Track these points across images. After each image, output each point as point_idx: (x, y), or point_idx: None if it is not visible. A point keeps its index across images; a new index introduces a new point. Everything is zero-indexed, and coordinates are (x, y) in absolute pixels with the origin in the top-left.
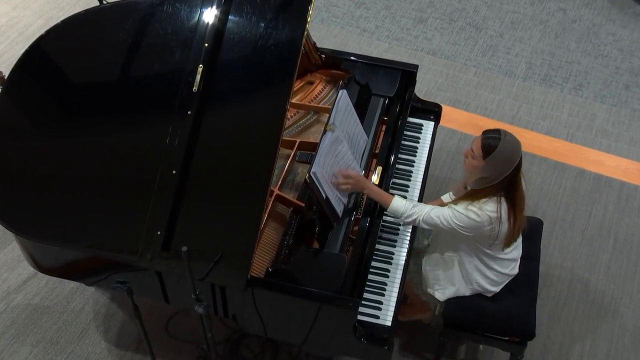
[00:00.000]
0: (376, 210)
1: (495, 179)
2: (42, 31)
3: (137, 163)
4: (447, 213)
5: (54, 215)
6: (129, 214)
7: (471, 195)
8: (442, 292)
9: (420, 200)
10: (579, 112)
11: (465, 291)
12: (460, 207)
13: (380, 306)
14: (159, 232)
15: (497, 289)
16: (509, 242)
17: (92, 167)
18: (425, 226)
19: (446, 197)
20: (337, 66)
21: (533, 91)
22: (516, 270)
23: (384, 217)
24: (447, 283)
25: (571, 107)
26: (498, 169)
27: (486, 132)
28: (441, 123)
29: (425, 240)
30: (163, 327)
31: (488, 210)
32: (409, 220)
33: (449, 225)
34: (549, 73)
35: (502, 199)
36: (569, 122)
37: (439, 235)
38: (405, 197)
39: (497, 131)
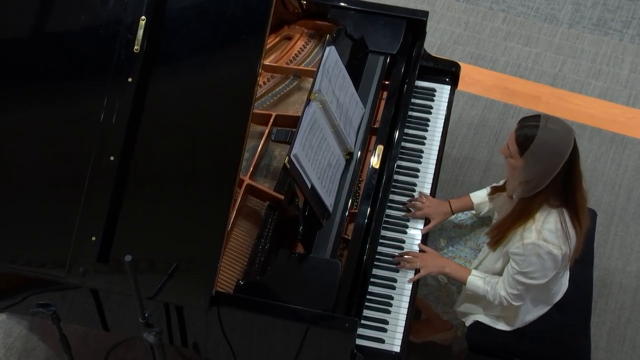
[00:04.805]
0: (377, 201)
1: (542, 182)
2: None
3: (62, 148)
4: (510, 269)
5: None
6: (53, 215)
7: (521, 212)
8: (471, 319)
9: (434, 190)
10: None
11: (505, 327)
12: (516, 248)
13: (386, 327)
14: (93, 238)
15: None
16: (574, 257)
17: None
18: (515, 303)
19: (480, 194)
20: (323, 15)
21: (582, 41)
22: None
23: (388, 211)
24: (485, 313)
25: (634, 61)
26: (542, 168)
27: (522, 120)
28: (460, 87)
29: (441, 240)
30: None
31: (550, 230)
32: (496, 302)
33: (527, 282)
34: (604, 16)
35: (563, 209)
36: (630, 81)
37: (485, 261)
38: (415, 185)
39: (536, 117)
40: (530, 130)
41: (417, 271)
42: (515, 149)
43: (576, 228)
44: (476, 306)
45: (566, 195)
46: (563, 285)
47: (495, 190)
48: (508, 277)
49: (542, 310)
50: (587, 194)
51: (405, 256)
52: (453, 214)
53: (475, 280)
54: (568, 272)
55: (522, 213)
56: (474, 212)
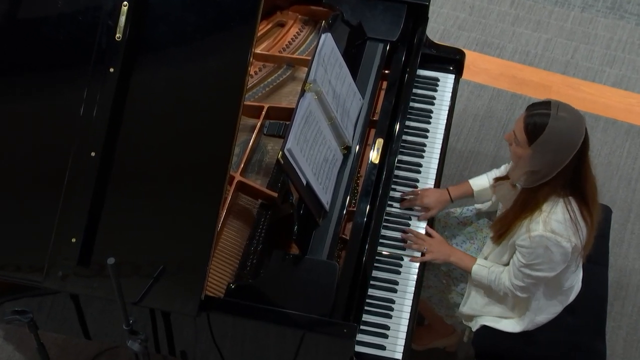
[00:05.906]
0: (377, 199)
1: (550, 173)
2: None
3: (39, 143)
4: (516, 261)
5: None
6: (30, 215)
7: (524, 203)
8: (478, 323)
9: (437, 186)
10: None
11: (515, 327)
12: (522, 240)
13: (387, 332)
14: (73, 240)
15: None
16: (587, 251)
17: None
18: (521, 295)
19: (480, 181)
20: (318, 0)
21: (596, 25)
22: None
23: (388, 209)
24: (492, 313)
25: None
26: (551, 158)
27: (531, 107)
28: (464, 76)
29: (445, 238)
30: None
31: (558, 220)
32: (501, 293)
33: (533, 274)
34: None
35: (570, 198)
36: None
37: (490, 256)
38: (417, 181)
39: (546, 104)
40: (540, 119)
41: (422, 257)
42: (523, 137)
43: (586, 218)
44: (483, 305)
45: (574, 186)
46: (576, 283)
47: (498, 180)
48: (513, 269)
49: (554, 310)
50: (596, 182)
51: (412, 236)
52: (452, 202)
53: (480, 269)
54: (581, 271)
55: (525, 204)
56: (476, 206)
